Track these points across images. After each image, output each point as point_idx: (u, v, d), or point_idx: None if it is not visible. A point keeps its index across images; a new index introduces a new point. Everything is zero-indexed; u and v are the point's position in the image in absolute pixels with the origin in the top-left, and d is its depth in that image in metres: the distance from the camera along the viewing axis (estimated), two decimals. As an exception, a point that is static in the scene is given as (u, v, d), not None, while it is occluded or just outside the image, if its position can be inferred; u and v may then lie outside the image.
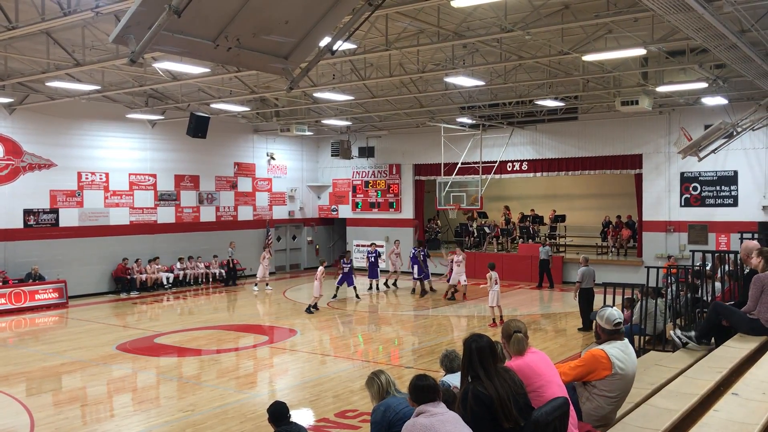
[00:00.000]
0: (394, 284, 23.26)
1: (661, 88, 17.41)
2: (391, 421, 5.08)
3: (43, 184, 20.76)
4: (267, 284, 23.23)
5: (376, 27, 13.33)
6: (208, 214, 25.87)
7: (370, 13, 4.70)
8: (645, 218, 23.03)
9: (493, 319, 16.46)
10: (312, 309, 18.44)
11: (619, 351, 5.19)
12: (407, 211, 28.37)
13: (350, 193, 29.85)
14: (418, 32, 14.04)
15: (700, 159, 19.68)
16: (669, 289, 11.81)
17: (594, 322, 5.77)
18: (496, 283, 16.22)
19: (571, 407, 4.68)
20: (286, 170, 29.25)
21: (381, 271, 23.38)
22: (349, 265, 20.63)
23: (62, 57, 14.50)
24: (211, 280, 24.70)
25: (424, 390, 4.18)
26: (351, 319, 18.26)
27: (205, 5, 3.80)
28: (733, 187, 21.37)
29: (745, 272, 8.76)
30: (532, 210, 26.82)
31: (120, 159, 22.85)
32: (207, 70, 15.59)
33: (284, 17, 4.23)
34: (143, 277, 22.67)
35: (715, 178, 21.64)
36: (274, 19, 4.21)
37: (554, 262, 23.38)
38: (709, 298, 10.50)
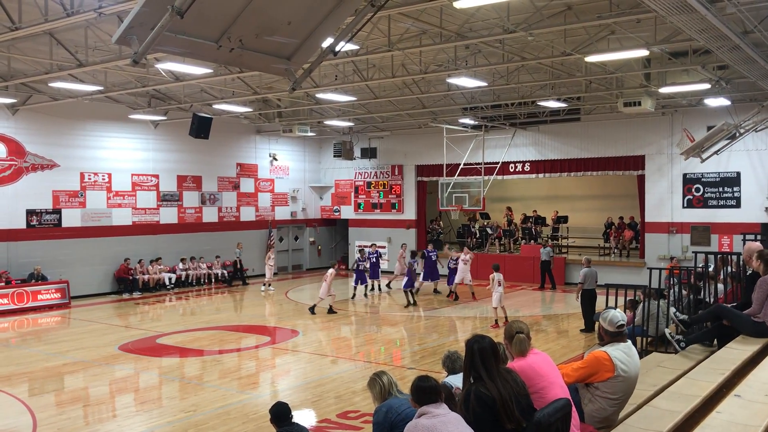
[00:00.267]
0: (387, 285, 23.18)
1: (664, 90, 17.39)
2: (393, 422, 5.08)
3: (46, 184, 20.80)
4: (270, 285, 23.23)
5: (379, 28, 13.32)
6: (210, 215, 25.89)
7: (373, 14, 4.70)
8: (647, 219, 23.01)
9: (496, 320, 16.44)
10: (317, 309, 18.36)
11: (622, 353, 5.18)
12: (409, 212, 28.37)
13: (352, 194, 29.86)
14: (421, 33, 14.04)
15: (703, 160, 19.66)
16: (671, 291, 11.80)
17: (597, 323, 5.77)
18: (500, 285, 16.18)
19: (574, 409, 4.68)
20: (289, 171, 29.27)
21: (382, 272, 23.37)
22: (364, 263, 20.67)
23: (65, 58, 14.52)
24: (213, 280, 24.72)
25: (426, 391, 4.18)
26: (353, 319, 18.25)
27: (207, 6, 3.80)
28: (735, 189, 21.34)
29: (748, 273, 8.74)
30: (535, 211, 26.79)
31: (122, 159, 22.88)
32: (209, 70, 15.60)
33: (287, 18, 4.23)
34: (145, 277, 22.70)
35: (717, 179, 21.61)
36: (277, 19, 4.21)
37: (556, 263, 23.37)
38: (712, 300, 10.49)
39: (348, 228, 30.11)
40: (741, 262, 9.97)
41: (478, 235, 27.77)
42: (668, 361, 7.68)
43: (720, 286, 11.08)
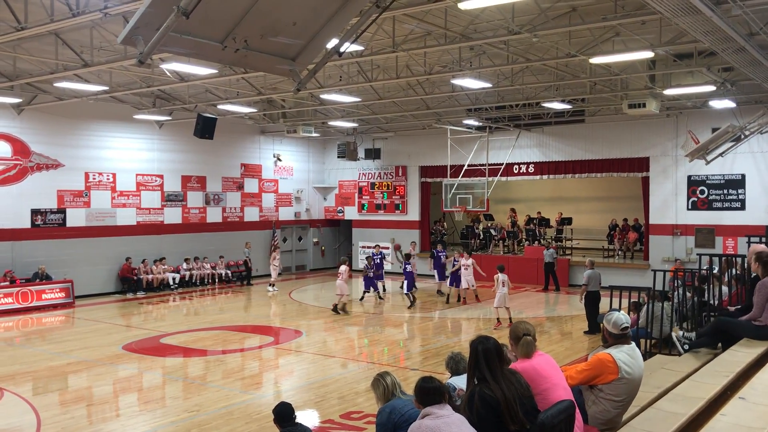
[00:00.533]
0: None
1: (669, 91, 17.36)
2: (397, 422, 5.07)
3: (51, 184, 20.85)
4: (274, 285, 23.23)
5: (383, 29, 13.34)
6: (214, 215, 25.93)
7: (378, 15, 4.70)
8: (652, 221, 22.96)
9: (498, 319, 16.43)
10: (339, 310, 18.38)
11: (626, 355, 5.18)
12: (413, 213, 28.37)
13: (356, 195, 29.87)
14: (425, 34, 14.05)
15: (708, 162, 19.62)
16: (676, 293, 11.77)
17: (601, 325, 5.76)
18: (504, 285, 16.16)
19: (577, 410, 4.68)
20: (293, 171, 29.30)
21: (386, 272, 23.35)
22: (372, 270, 20.64)
23: (70, 58, 14.56)
24: (217, 280, 24.77)
25: (430, 392, 4.18)
26: (357, 320, 18.24)
27: (213, 7, 3.81)
28: (740, 191, 21.29)
29: (752, 276, 8.73)
30: (539, 213, 26.77)
31: (127, 159, 22.93)
32: (214, 71, 15.63)
33: (292, 19, 4.23)
34: (149, 277, 22.74)
35: (722, 181, 21.56)
36: (282, 20, 4.21)
37: (560, 265, 23.35)
38: (716, 302, 10.47)
39: (351, 229, 30.12)
40: (746, 265, 9.95)
41: (481, 236, 27.76)
42: (672, 363, 7.67)
43: (725, 289, 11.06)
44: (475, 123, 24.00)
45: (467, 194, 24.34)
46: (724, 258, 12.27)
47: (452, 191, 24.49)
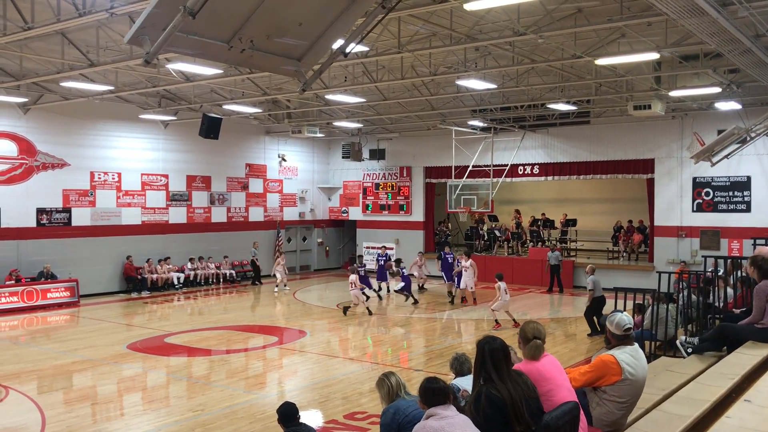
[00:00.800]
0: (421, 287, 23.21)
1: (674, 93, 17.32)
2: (401, 423, 5.07)
3: (56, 183, 20.92)
4: (276, 286, 23.22)
5: (389, 29, 13.34)
6: (219, 215, 25.97)
7: (383, 16, 4.71)
8: (657, 223, 22.91)
9: (496, 321, 16.39)
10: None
11: (629, 356, 5.17)
12: (417, 214, 28.36)
13: (361, 195, 29.88)
14: (431, 35, 14.05)
15: (713, 164, 19.56)
16: (680, 295, 11.74)
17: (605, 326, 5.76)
18: (506, 293, 16.15)
19: (582, 412, 4.67)
20: (297, 172, 29.33)
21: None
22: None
23: (77, 57, 14.61)
24: (221, 280, 24.80)
25: (434, 393, 4.18)
26: (361, 321, 18.24)
27: (219, 7, 3.82)
28: (746, 193, 21.23)
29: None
30: (543, 214, 26.74)
31: (132, 159, 22.98)
32: (220, 71, 15.66)
33: (298, 19, 4.24)
34: (154, 276, 22.78)
35: (728, 183, 21.50)
36: (288, 21, 4.22)
37: (564, 266, 23.28)
38: (721, 304, 10.44)
39: (356, 229, 30.12)
40: (751, 267, 9.92)
41: (486, 237, 27.74)
42: (677, 365, 7.65)
43: (730, 291, 11.02)
44: (480, 124, 23.98)
45: (472, 195, 24.33)
46: (730, 260, 12.23)
47: (457, 192, 24.49)
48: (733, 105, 18.99)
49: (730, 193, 21.50)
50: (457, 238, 30.26)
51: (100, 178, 22.07)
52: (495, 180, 24.28)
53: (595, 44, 13.81)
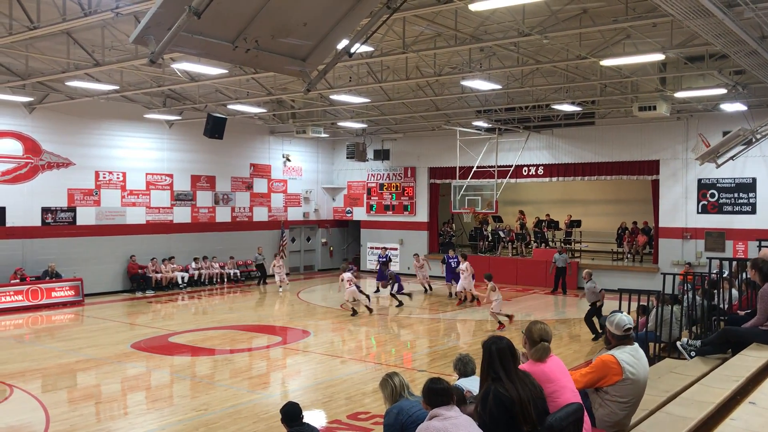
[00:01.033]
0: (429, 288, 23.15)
1: (680, 94, 17.28)
2: (404, 423, 5.07)
3: (61, 182, 20.97)
4: (280, 287, 23.14)
5: (394, 30, 13.34)
6: (223, 215, 26.01)
7: (388, 16, 4.71)
8: (661, 225, 22.86)
9: (500, 323, 16.35)
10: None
11: (630, 356, 5.17)
12: (422, 214, 28.35)
13: (365, 196, 29.89)
14: (436, 35, 14.04)
15: (718, 166, 19.51)
16: (685, 297, 11.70)
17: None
18: (495, 291, 16.13)
19: (585, 413, 4.66)
20: (302, 172, 29.35)
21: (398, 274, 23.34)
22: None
23: (82, 57, 14.65)
24: (225, 280, 24.84)
25: (438, 393, 4.18)
26: (364, 321, 18.25)
27: (224, 7, 3.82)
28: (751, 195, 21.16)
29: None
30: (548, 215, 26.71)
31: (137, 159, 23.03)
32: (224, 71, 15.68)
33: (303, 19, 4.24)
34: (158, 276, 22.82)
35: (733, 185, 21.44)
36: (293, 21, 4.22)
37: (568, 268, 23.23)
38: (726, 306, 10.41)
39: (360, 229, 30.14)
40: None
41: (490, 238, 27.72)
42: (681, 367, 7.63)
43: (734, 293, 10.98)
44: (485, 124, 23.96)
45: (476, 196, 24.31)
46: (735, 262, 12.19)
47: (461, 193, 24.48)
48: (738, 106, 18.94)
49: (736, 195, 21.44)
50: (461, 239, 30.25)
51: (104, 177, 22.12)
52: (499, 181, 24.27)
53: (600, 45, 13.79)
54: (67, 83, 17.53)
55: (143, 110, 22.06)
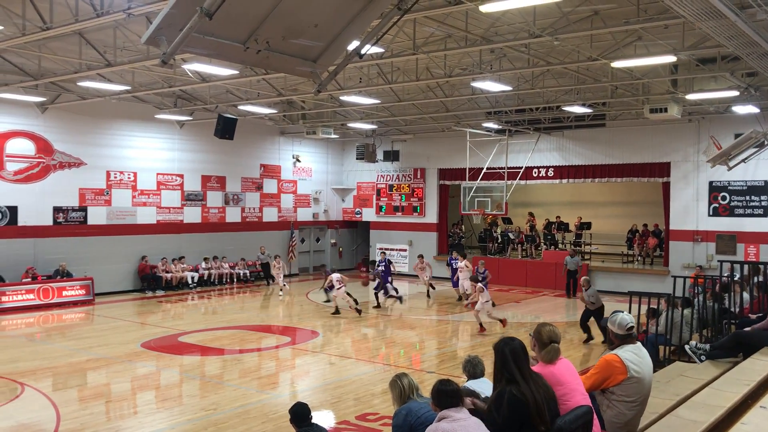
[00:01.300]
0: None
1: (691, 96, 17.19)
2: (413, 425, 5.06)
3: (73, 182, 21.09)
4: (281, 290, 22.94)
5: (404, 31, 13.33)
6: (233, 215, 26.08)
7: (399, 18, 4.72)
8: (672, 227, 22.74)
9: (500, 320, 16.22)
10: (358, 311, 18.34)
11: (633, 354, 5.17)
12: (431, 216, 28.33)
13: (374, 197, 29.90)
14: (446, 37, 14.03)
15: (730, 168, 19.40)
16: (696, 300, 11.64)
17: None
18: (483, 292, 16.07)
19: (595, 416, 4.65)
20: (311, 173, 29.40)
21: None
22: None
23: (94, 57, 14.74)
24: (235, 280, 24.90)
25: (447, 395, 4.18)
26: (373, 322, 18.25)
27: (236, 8, 3.84)
28: (763, 197, 21.02)
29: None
30: (558, 217, 26.62)
31: (148, 159, 23.14)
32: (235, 72, 15.72)
33: (314, 21, 4.26)
34: (169, 276, 22.91)
35: (744, 187, 21.31)
36: (304, 22, 4.24)
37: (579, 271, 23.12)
38: (737, 310, 10.35)
39: (369, 230, 30.15)
40: (768, 272, 9.83)
41: (499, 240, 27.66)
42: (691, 370, 7.60)
43: (746, 296, 10.92)
44: (495, 126, 23.92)
45: (486, 197, 24.27)
46: (748, 265, 12.12)
47: (471, 194, 24.44)
48: (750, 109, 18.82)
49: (747, 198, 21.30)
50: (470, 241, 30.20)
51: (115, 177, 22.23)
52: (509, 182, 24.23)
53: (612, 47, 13.74)
54: (79, 83, 17.63)
55: (154, 110, 22.16)
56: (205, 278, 24.14)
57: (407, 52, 14.06)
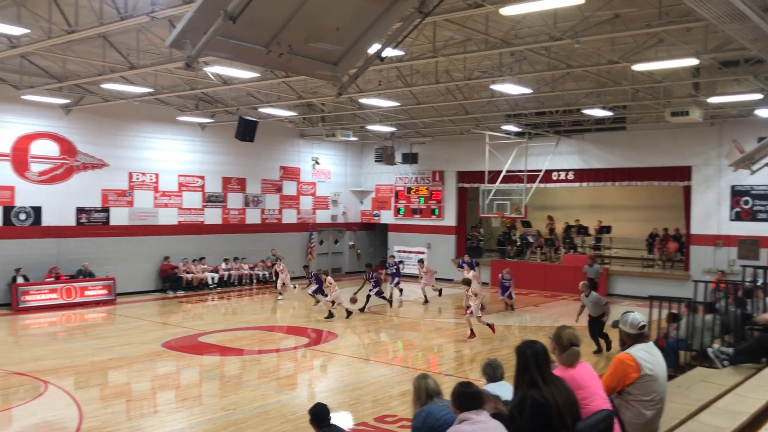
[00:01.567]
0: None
1: (713, 99, 17.01)
2: (432, 427, 5.05)
3: (96, 183, 21.34)
4: (280, 294, 22.44)
5: (424, 34, 13.36)
6: (253, 217, 26.24)
7: (420, 21, 4.73)
8: (693, 231, 22.51)
9: (471, 330, 15.96)
10: (348, 312, 18.37)
11: (645, 352, 5.15)
12: (449, 218, 28.29)
13: (393, 199, 29.92)
14: (466, 39, 14.02)
15: (753, 172, 19.16)
16: (717, 305, 11.52)
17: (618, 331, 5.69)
18: (476, 296, 15.96)
19: (615, 420, 4.63)
20: (330, 175, 29.50)
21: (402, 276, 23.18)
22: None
23: (117, 60, 14.92)
24: (255, 281, 25.04)
25: (468, 397, 4.18)
26: (390, 324, 18.26)
27: (259, 12, 3.88)
28: (787, 202, 20.75)
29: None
30: (577, 220, 26.45)
31: (170, 160, 23.35)
32: (257, 74, 15.83)
33: (335, 24, 4.29)
34: (189, 276, 23.09)
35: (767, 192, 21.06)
36: (326, 25, 4.27)
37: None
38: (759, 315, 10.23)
39: (387, 233, 30.17)
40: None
41: (518, 243, 27.55)
42: (713, 376, 7.52)
43: (769, 302, 10.80)
44: (514, 129, 23.83)
45: (505, 200, 24.18)
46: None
47: (489, 197, 24.36)
48: (774, 112, 18.60)
49: (771, 202, 21.03)
50: (489, 244, 30.09)
51: (138, 178, 22.46)
52: (528, 185, 24.13)
53: (633, 50, 13.64)
54: (103, 86, 17.84)
55: (176, 113, 22.37)
56: (225, 279, 24.30)
57: (427, 54, 14.08)
